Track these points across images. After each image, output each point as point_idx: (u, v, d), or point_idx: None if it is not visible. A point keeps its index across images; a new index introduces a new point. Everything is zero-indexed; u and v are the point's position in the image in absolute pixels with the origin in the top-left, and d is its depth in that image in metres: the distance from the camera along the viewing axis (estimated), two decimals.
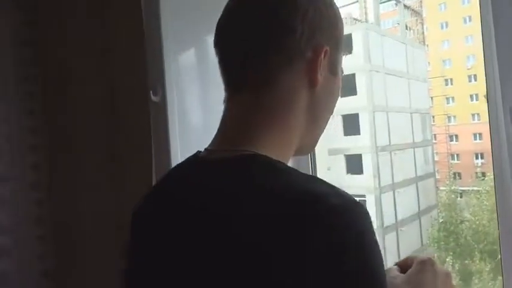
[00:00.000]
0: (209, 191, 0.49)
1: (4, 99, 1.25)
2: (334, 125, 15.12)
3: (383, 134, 14.93)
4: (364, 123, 14.69)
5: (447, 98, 19.47)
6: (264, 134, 0.54)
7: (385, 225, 14.47)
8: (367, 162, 14.62)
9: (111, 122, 1.15)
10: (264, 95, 0.55)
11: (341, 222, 0.42)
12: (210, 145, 0.56)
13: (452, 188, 15.14)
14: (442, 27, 21.01)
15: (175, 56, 0.98)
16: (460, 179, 16.94)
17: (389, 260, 14.47)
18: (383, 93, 15.10)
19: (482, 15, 0.88)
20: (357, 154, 14.79)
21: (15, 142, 1.26)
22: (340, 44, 0.60)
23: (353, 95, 14.83)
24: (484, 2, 0.87)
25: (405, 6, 18.32)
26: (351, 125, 14.81)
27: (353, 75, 14.78)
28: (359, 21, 16.72)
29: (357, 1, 17.09)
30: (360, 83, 14.71)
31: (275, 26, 0.55)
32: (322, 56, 0.55)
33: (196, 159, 0.56)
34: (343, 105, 15.14)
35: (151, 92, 0.97)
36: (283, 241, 0.41)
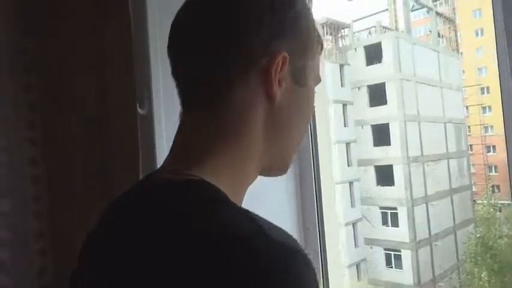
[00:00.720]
0: (138, 218, 0.45)
1: (2, 110, 1.27)
2: (363, 135, 14.85)
3: (415, 144, 14.51)
4: (394, 133, 14.33)
5: (483, 107, 18.72)
6: (213, 156, 0.48)
7: (418, 239, 13.98)
8: (398, 174, 14.23)
9: (102, 136, 1.15)
10: (215, 113, 0.50)
11: (258, 265, 0.37)
12: (163, 163, 0.52)
13: (491, 201, 14.47)
14: (476, 35, 20.33)
15: (163, 69, 0.96)
16: (499, 192, 16.17)
17: (424, 276, 13.95)
18: (414, 102, 14.71)
19: None
20: (387, 165, 14.42)
21: (14, 154, 1.27)
22: (309, 48, 0.53)
23: (383, 104, 14.54)
24: None
25: (437, 13, 17.87)
26: (381, 135, 14.49)
27: (383, 84, 14.51)
28: (389, 29, 16.44)
29: (387, 9, 16.84)
30: (390, 92, 14.40)
31: (225, 34, 0.49)
32: (279, 64, 0.49)
33: (146, 179, 0.51)
34: (373, 115, 14.88)
35: (137, 104, 0.95)
36: (194, 279, 0.37)
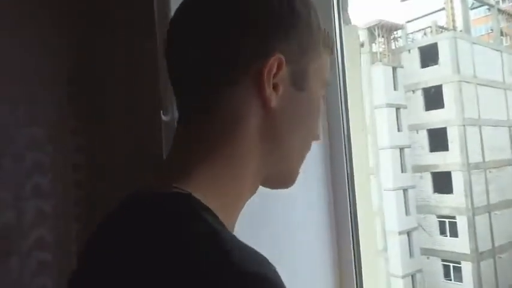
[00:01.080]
0: (113, 233, 0.43)
1: (49, 118, 1.33)
2: (418, 140, 14.21)
3: (475, 150, 13.65)
4: (452, 138, 13.57)
5: None
6: (200, 169, 0.45)
7: (480, 251, 13.11)
8: (457, 181, 13.43)
9: (129, 142, 1.17)
10: (206, 120, 0.47)
11: None
12: (157, 173, 0.50)
13: None
14: None
15: None
16: None
17: None
18: (475, 105, 13.86)
19: None
20: (445, 172, 13.67)
21: (59, 160, 1.33)
22: (311, 49, 0.49)
23: (439, 108, 13.83)
24: None
25: (499, 10, 16.78)
26: (438, 140, 13.77)
27: (439, 86, 13.81)
28: (446, 29, 15.67)
29: (443, 8, 16.07)
30: (448, 95, 13.68)
31: (215, 35, 0.46)
32: (273, 67, 0.45)
33: (137, 190, 0.49)
34: (429, 119, 14.20)
35: (162, 111, 0.96)
36: None
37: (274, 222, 1.07)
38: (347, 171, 1.04)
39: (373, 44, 15.52)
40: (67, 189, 1.38)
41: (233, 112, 0.46)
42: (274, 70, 0.45)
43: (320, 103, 0.51)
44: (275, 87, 0.46)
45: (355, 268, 1.04)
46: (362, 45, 16.10)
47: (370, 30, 15.60)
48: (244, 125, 0.46)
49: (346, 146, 1.07)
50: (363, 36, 15.71)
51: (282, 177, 0.52)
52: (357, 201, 1.10)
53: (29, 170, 1.29)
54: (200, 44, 0.47)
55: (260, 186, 0.53)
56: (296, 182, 1.17)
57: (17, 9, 1.31)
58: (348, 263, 1.04)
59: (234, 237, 0.40)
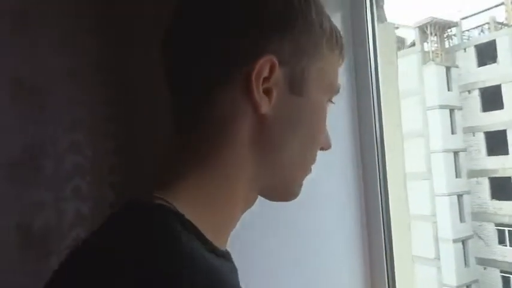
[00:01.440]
0: (82, 246, 0.40)
1: (87, 122, 1.38)
2: (474, 143, 13.43)
3: None
4: None
5: None
6: (188, 179, 0.42)
7: None
8: None
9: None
10: (196, 126, 0.44)
11: None
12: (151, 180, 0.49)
13: None
14: None
15: None
16: None
17: None
18: None
19: None
20: (505, 177, 12.79)
21: (96, 163, 1.38)
22: (312, 50, 0.45)
23: (498, 109, 12.99)
24: None
25: None
26: (497, 143, 12.91)
27: (498, 86, 12.97)
28: (505, 25, 14.71)
29: (503, 3, 15.11)
30: (507, 95, 12.80)
31: (205, 32, 0.44)
32: (263, 69, 0.41)
33: (129, 198, 0.46)
34: (486, 121, 13.38)
35: None
36: None
37: (302, 228, 1.04)
38: (379, 174, 0.99)
39: (425, 43, 14.91)
40: (103, 191, 1.43)
41: (223, 118, 0.43)
42: (266, 73, 0.42)
43: (325, 110, 0.47)
44: (268, 91, 0.43)
45: (388, 276, 0.98)
46: (413, 44, 15.51)
47: (422, 29, 14.99)
48: (235, 131, 0.43)
49: (379, 148, 1.01)
50: (414, 35, 15.13)
51: (280, 189, 0.48)
52: (392, 206, 1.04)
53: (69, 173, 1.34)
54: (192, 43, 0.45)
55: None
56: (326, 186, 1.12)
57: (60, 20, 1.37)
58: (380, 271, 0.98)
59: (203, 260, 0.36)
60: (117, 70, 1.46)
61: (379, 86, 1.05)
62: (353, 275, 1.02)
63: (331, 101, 0.49)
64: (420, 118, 11.96)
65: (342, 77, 1.00)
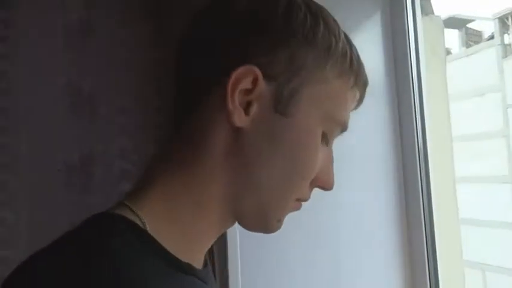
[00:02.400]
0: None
1: (135, 129, 1.44)
2: None
3: None
4: None
5: None
6: (152, 188, 0.41)
7: None
8: None
9: None
10: (178, 136, 0.44)
11: None
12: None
13: None
14: None
15: None
16: None
17: None
18: None
19: None
20: None
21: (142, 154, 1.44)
22: (309, 70, 0.41)
23: None
24: None
25: None
26: None
27: None
28: None
29: None
30: None
31: (204, 38, 0.43)
32: (240, 80, 0.39)
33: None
34: None
35: None
36: None
37: (339, 234, 0.99)
38: (421, 178, 0.91)
39: (506, 35, 13.72)
40: None
41: (201, 128, 0.42)
42: (248, 85, 0.40)
43: (315, 139, 0.42)
44: (249, 104, 0.40)
45: (430, 281, 0.90)
46: (492, 37, 14.34)
47: (502, 20, 13.83)
48: (210, 143, 0.42)
49: (421, 150, 0.94)
50: (493, 27, 14.01)
51: (254, 216, 0.45)
52: (438, 210, 0.96)
53: (117, 178, 1.41)
54: (187, 51, 0.45)
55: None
56: (366, 191, 1.07)
57: (118, 33, 1.46)
58: (421, 275, 0.90)
59: (128, 282, 0.34)
60: (168, 80, 1.51)
61: (421, 84, 0.97)
62: (393, 277, 0.96)
63: (331, 137, 0.45)
64: (501, 117, 11.00)
65: (379, 80, 0.94)
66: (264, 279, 0.93)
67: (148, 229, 0.40)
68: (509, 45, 14.22)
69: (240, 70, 0.40)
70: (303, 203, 0.48)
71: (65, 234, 0.40)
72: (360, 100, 0.47)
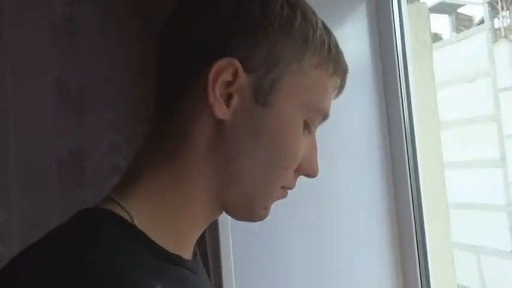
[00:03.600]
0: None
1: (125, 123, 1.43)
2: None
3: None
4: None
5: None
6: (138, 181, 0.42)
7: None
8: None
9: None
10: (160, 128, 0.45)
11: None
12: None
13: None
14: None
15: None
16: None
17: None
18: None
19: None
20: None
21: None
22: (287, 61, 0.41)
23: None
24: None
25: None
26: None
27: None
28: None
29: None
30: None
31: (179, 35, 0.44)
32: (221, 72, 0.40)
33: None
34: None
35: None
36: None
37: (330, 221, 1.01)
38: (409, 163, 0.93)
39: (496, 19, 13.76)
40: None
41: (184, 120, 0.44)
42: (229, 77, 0.41)
43: (296, 129, 0.44)
44: (230, 96, 0.42)
45: (420, 264, 0.92)
46: (482, 21, 14.37)
47: (492, 4, 13.86)
48: (193, 135, 0.43)
49: (409, 136, 0.95)
50: (482, 11, 14.03)
51: (240, 206, 0.46)
52: (426, 196, 0.97)
53: (109, 173, 1.41)
54: (168, 43, 0.46)
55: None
56: (354, 178, 1.09)
57: (104, 30, 1.45)
58: (411, 259, 0.92)
59: (119, 274, 0.35)
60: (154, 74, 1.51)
61: (407, 71, 0.98)
62: (383, 266, 0.97)
63: (313, 125, 0.45)
64: (491, 101, 11.07)
65: (364, 71, 0.95)
66: (257, 271, 0.94)
67: (136, 223, 0.40)
68: (499, 29, 14.29)
69: (220, 63, 0.41)
70: (296, 191, 0.49)
71: (54, 229, 0.40)
72: (341, 88, 0.48)
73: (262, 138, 0.43)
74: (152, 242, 0.40)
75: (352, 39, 0.97)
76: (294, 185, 0.48)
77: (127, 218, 0.41)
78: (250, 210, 0.47)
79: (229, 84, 0.41)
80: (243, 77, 0.41)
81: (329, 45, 0.44)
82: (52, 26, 1.41)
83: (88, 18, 1.45)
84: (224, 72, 0.41)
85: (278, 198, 0.48)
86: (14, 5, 1.37)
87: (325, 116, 0.47)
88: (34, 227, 1.22)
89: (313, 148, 0.47)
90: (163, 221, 0.42)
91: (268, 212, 0.48)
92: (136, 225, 0.40)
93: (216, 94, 0.41)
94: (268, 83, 0.42)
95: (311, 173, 0.48)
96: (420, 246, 0.95)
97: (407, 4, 1.07)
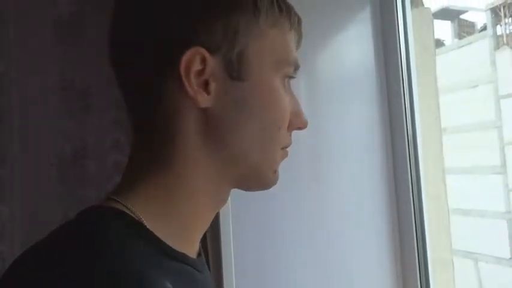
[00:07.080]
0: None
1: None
2: None
3: None
4: None
5: None
6: (141, 180, 0.42)
7: None
8: None
9: None
10: (143, 127, 0.45)
11: None
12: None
13: None
14: None
15: None
16: None
17: None
18: None
19: None
20: None
21: None
22: (242, 31, 0.42)
23: None
24: None
25: None
26: None
27: None
28: None
29: None
30: None
31: (145, 26, 0.43)
32: (191, 63, 0.40)
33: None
34: None
35: None
36: None
37: (331, 226, 1.01)
38: (411, 169, 0.93)
39: (498, 26, 13.77)
40: None
41: (167, 116, 0.43)
42: (198, 66, 0.41)
43: (278, 88, 0.45)
44: (206, 83, 0.42)
45: (420, 274, 0.92)
46: (484, 28, 14.39)
47: (494, 10, 13.87)
48: (181, 129, 0.43)
49: (411, 142, 0.95)
50: (485, 18, 14.04)
51: (252, 177, 0.47)
52: (427, 201, 0.97)
53: (111, 170, 1.41)
54: (127, 42, 0.45)
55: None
56: (357, 183, 1.09)
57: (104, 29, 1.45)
58: (411, 267, 0.92)
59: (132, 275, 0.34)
60: None
61: (411, 77, 0.99)
62: (383, 271, 0.97)
63: (291, 76, 0.47)
64: (493, 108, 11.07)
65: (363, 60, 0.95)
66: (257, 271, 0.94)
67: (144, 223, 0.40)
68: (502, 36, 14.30)
69: (187, 55, 0.41)
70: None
71: (59, 228, 0.40)
72: (300, 38, 0.49)
73: (249, 111, 0.44)
74: (161, 241, 0.40)
75: (356, 43, 0.98)
76: (291, 141, 0.49)
77: (134, 217, 0.41)
78: (262, 180, 0.48)
79: (201, 72, 0.42)
80: (211, 61, 0.41)
81: (278, 4, 0.45)
82: (56, 24, 1.42)
83: (92, 17, 1.46)
84: (193, 62, 0.41)
85: (283, 159, 0.49)
86: (18, 4, 1.38)
87: (296, 66, 0.47)
88: (36, 225, 1.22)
89: (296, 102, 0.48)
90: (168, 220, 0.42)
91: (278, 174, 0.48)
92: (145, 225, 0.40)
93: (193, 86, 0.42)
94: (235, 57, 0.42)
95: (302, 126, 0.49)
96: (421, 251, 0.95)
97: (412, 9, 1.07)
